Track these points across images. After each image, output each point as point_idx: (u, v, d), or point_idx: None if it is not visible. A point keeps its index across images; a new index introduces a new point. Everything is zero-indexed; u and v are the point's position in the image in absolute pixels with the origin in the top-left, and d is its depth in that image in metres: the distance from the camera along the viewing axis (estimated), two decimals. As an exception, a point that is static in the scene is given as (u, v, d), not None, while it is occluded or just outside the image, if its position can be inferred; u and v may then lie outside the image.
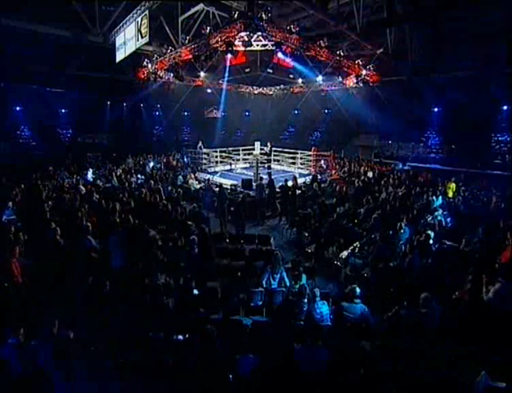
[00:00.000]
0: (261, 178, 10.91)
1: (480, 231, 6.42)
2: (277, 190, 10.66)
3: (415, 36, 12.40)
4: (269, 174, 11.11)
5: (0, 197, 7.85)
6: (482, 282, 4.45)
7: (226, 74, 15.10)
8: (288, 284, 5.17)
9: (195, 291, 4.80)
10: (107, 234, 6.10)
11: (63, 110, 17.13)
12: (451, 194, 9.77)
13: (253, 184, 11.42)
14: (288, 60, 11.24)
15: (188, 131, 22.66)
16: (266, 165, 15.25)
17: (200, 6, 11.27)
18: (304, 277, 5.13)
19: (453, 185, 10.03)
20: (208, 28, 10.40)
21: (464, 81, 12.88)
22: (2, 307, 4.27)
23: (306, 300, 4.57)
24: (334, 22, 10.64)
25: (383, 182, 11.39)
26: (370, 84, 13.03)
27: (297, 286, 4.90)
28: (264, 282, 5.15)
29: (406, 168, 14.72)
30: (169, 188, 10.54)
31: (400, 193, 9.78)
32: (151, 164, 14.90)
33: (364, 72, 12.51)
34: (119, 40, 11.60)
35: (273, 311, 4.95)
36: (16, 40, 11.26)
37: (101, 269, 5.29)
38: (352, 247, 6.75)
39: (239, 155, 17.32)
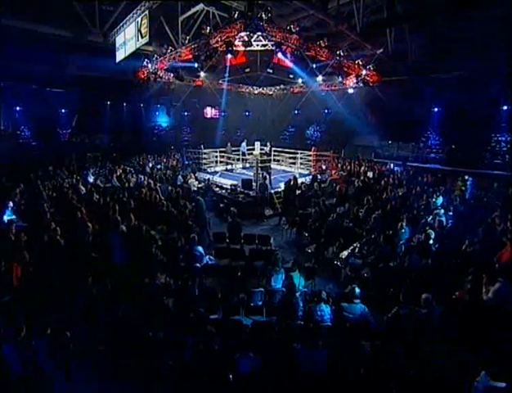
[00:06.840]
0: (264, 178, 10.86)
1: (480, 231, 6.41)
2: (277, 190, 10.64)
3: (415, 36, 12.38)
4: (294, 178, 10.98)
5: (0, 197, 7.84)
6: (482, 282, 4.45)
7: (227, 74, 15.09)
8: (300, 283, 5.06)
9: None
10: (107, 233, 6.10)
11: (63, 110, 17.11)
12: (458, 192, 9.84)
13: (254, 184, 11.40)
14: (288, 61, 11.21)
15: (188, 131, 22.62)
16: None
17: (200, 6, 11.26)
18: (297, 275, 5.07)
19: (460, 184, 10.25)
20: (208, 28, 10.38)
21: (464, 81, 12.87)
22: (2, 307, 4.27)
23: (298, 294, 4.64)
24: (334, 22, 10.63)
25: (383, 182, 11.39)
26: (370, 84, 13.02)
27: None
28: (273, 283, 5.17)
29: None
30: (169, 188, 10.52)
31: (400, 193, 9.78)
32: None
33: (364, 72, 12.49)
34: (119, 40, 11.60)
35: (273, 311, 4.95)
36: (16, 40, 11.25)
37: (101, 269, 5.28)
38: (352, 247, 6.75)
39: (239, 155, 17.30)
